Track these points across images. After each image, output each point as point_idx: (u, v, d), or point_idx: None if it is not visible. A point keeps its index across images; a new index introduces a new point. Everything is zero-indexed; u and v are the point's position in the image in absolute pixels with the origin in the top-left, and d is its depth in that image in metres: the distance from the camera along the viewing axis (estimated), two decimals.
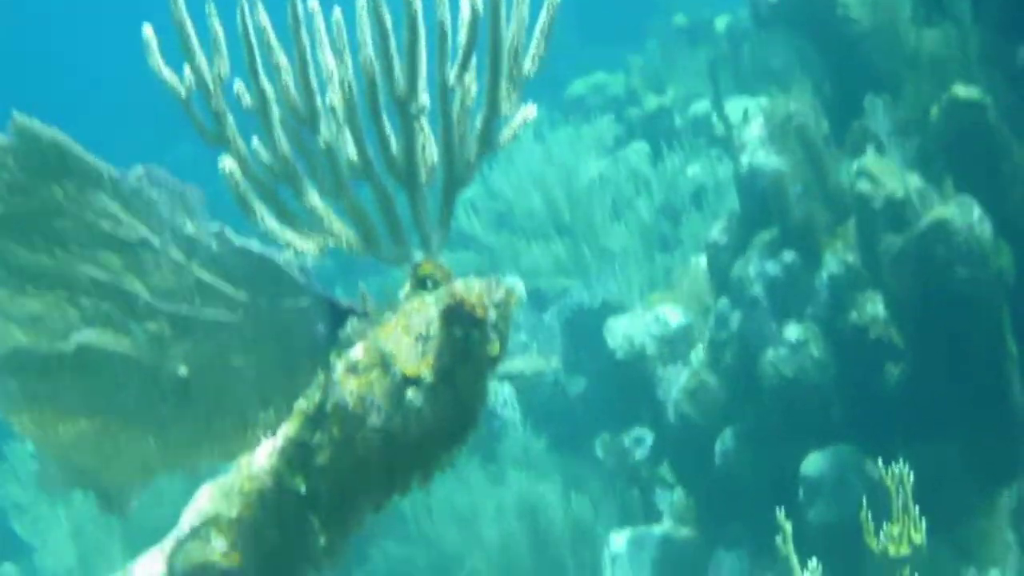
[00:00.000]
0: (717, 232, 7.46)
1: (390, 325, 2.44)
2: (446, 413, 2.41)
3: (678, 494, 8.30)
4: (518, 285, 8.43)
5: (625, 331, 7.55)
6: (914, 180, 6.15)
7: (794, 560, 5.23)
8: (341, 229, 2.54)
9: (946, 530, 6.08)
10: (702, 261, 7.84)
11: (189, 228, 2.57)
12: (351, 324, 2.51)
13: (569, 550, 9.42)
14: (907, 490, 5.26)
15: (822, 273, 6.66)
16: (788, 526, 5.31)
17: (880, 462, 5.95)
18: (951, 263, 6.08)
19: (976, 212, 6.13)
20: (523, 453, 9.78)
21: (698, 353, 7.42)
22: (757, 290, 6.84)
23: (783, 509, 5.44)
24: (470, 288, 2.35)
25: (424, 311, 2.43)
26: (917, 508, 5.28)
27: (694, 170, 10.65)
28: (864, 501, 5.52)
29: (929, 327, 6.31)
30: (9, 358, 2.61)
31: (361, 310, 2.56)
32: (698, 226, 9.89)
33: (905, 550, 5.17)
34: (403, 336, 2.42)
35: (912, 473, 5.37)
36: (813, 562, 5.27)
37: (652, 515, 8.88)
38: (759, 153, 7.06)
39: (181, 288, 2.60)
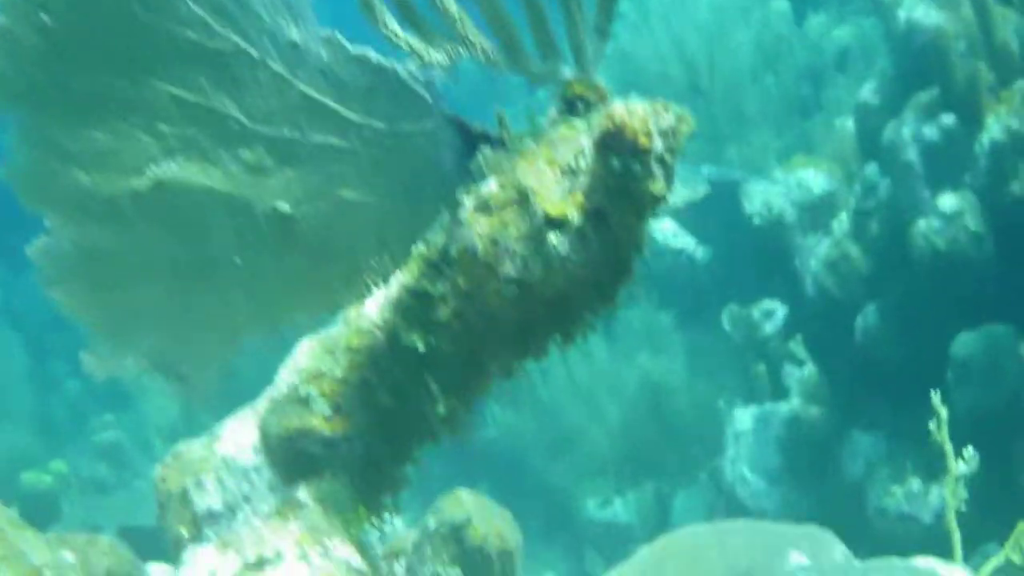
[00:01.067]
0: (868, 92, 6.90)
1: (532, 155, 2.02)
2: (596, 262, 2.00)
3: (808, 371, 7.85)
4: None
5: (763, 196, 7.04)
6: None
7: (949, 448, 4.77)
8: (477, 36, 2.10)
9: None
10: (848, 124, 7.29)
11: (294, 34, 2.16)
12: (484, 153, 2.08)
13: (692, 427, 9.05)
14: None
15: (983, 139, 6.12)
16: (944, 411, 4.83)
17: None
18: None
19: None
20: (647, 327, 9.39)
21: (841, 222, 6.91)
22: (911, 155, 6.31)
23: (938, 392, 4.95)
24: (633, 112, 1.91)
25: (574, 139, 2.00)
26: None
27: (840, 32, 10.00)
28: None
29: None
30: (66, 205, 2.21)
31: (497, 136, 2.13)
32: (841, 91, 9.29)
33: None
34: (547, 168, 2.00)
35: None
36: (969, 451, 4.80)
37: (779, 392, 8.46)
38: (919, 8, 6.48)
39: (284, 107, 2.19)
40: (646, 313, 9.75)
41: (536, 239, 1.97)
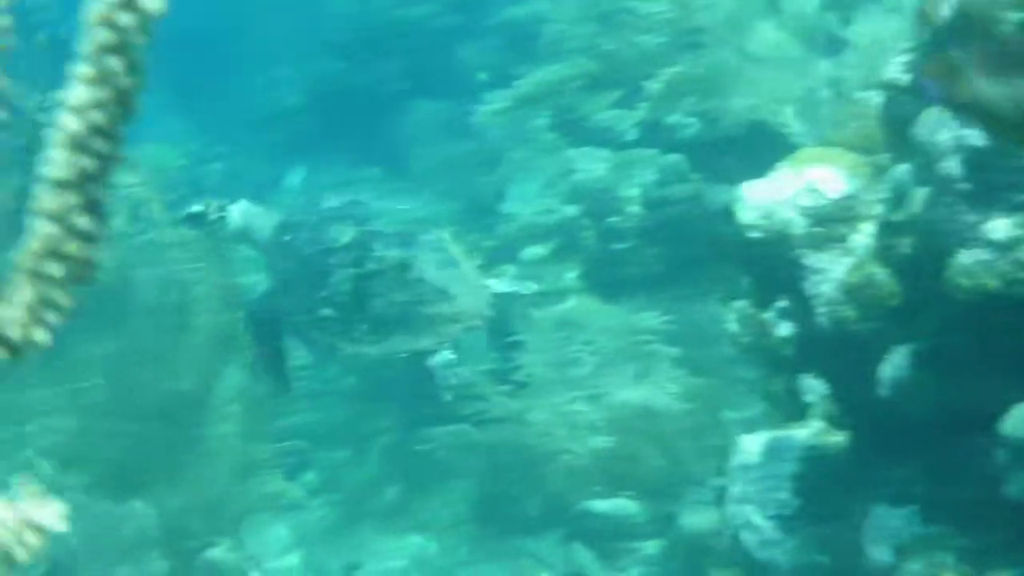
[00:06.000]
0: (897, 68, 5.31)
1: None
2: None
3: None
4: None
5: (763, 201, 5.47)
6: None
7: None
8: None
9: None
10: (875, 98, 5.70)
11: None
12: None
13: (693, 448, 7.64)
14: None
15: None
16: None
17: None
18: None
19: None
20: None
21: (865, 235, 5.38)
22: (951, 164, 4.76)
23: None
24: None
25: None
26: None
27: None
28: None
29: None
30: None
31: None
32: (876, 23, 7.66)
33: None
34: None
35: None
36: None
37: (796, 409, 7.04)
38: None
39: None
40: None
41: None
